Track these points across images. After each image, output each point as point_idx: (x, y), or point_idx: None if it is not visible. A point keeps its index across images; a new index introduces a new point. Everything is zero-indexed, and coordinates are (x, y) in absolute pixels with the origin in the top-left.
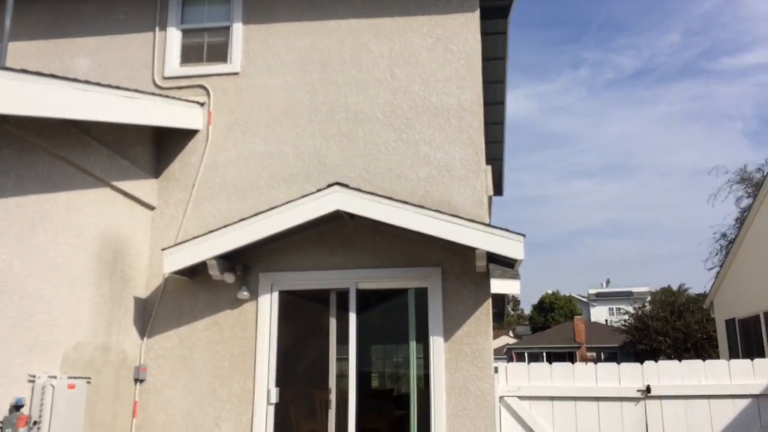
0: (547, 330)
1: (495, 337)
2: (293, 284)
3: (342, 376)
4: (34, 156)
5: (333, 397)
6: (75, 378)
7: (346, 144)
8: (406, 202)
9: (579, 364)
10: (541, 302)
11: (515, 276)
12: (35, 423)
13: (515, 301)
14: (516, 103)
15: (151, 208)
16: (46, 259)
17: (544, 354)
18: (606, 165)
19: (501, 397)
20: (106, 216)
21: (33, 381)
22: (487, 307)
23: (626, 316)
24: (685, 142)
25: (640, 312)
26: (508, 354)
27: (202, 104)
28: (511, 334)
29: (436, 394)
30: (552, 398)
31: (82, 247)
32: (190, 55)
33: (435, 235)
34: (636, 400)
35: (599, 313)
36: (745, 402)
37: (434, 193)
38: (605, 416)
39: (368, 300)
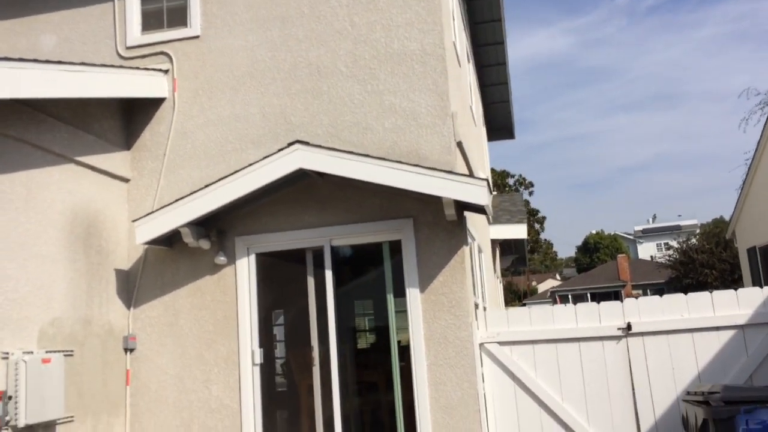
0: (591, 270)
1: (541, 280)
2: (269, 246)
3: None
4: None
5: (316, 354)
6: (52, 352)
7: (310, 100)
8: (367, 156)
9: (558, 306)
10: (586, 243)
11: (522, 220)
12: (10, 398)
13: (548, 245)
14: (552, 40)
15: (125, 180)
16: (8, 239)
17: (588, 295)
18: (652, 95)
19: (481, 344)
20: (74, 192)
21: (7, 357)
22: (462, 255)
23: (671, 251)
24: (734, 65)
25: (684, 246)
26: (552, 297)
27: (165, 71)
28: (557, 277)
29: (415, 346)
30: (533, 342)
31: (50, 224)
32: (151, 21)
33: (397, 186)
34: (617, 338)
35: (646, 250)
36: (730, 333)
37: (402, 144)
38: (587, 356)
39: (347, 257)
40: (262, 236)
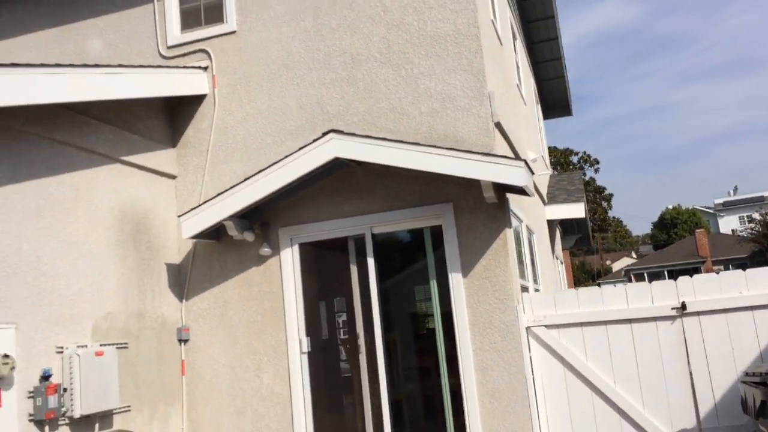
0: (667, 247)
1: (616, 259)
2: (311, 236)
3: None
4: (28, 143)
5: (362, 342)
6: (106, 345)
7: (346, 88)
8: (401, 141)
9: (607, 287)
10: (662, 219)
11: (579, 199)
12: (65, 390)
13: (617, 222)
14: (618, 9)
15: (172, 177)
16: (58, 239)
17: (665, 272)
18: (728, 62)
19: (528, 328)
20: (121, 191)
21: (62, 351)
22: (504, 239)
23: (753, 224)
24: None
25: (767, 217)
26: (627, 275)
27: (205, 69)
28: (633, 255)
29: (460, 331)
30: (581, 324)
31: (99, 222)
32: (189, 20)
33: (432, 171)
34: (672, 318)
35: (728, 224)
36: None
37: (438, 127)
38: (640, 338)
39: (390, 244)
40: (304, 226)
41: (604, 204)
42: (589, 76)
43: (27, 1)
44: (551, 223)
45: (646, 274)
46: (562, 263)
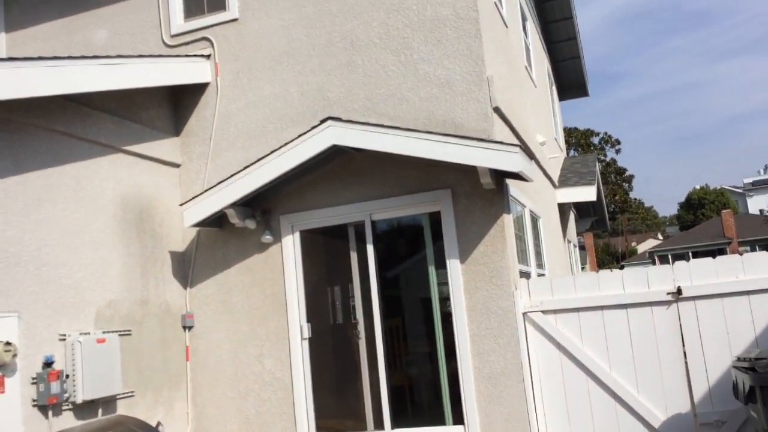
0: (693, 228)
1: (641, 240)
2: (312, 223)
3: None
4: (29, 134)
5: (361, 327)
6: (108, 332)
7: (346, 75)
8: (397, 128)
9: (604, 272)
10: (689, 199)
11: (591, 182)
12: (68, 376)
13: (638, 204)
14: None
15: (176, 165)
16: (60, 228)
17: (690, 254)
18: (762, 37)
19: (524, 313)
20: (124, 180)
21: (64, 339)
22: (501, 225)
23: None
24: None
25: None
26: (651, 257)
27: (207, 57)
28: (659, 236)
29: (457, 316)
30: (577, 309)
31: (101, 212)
32: (192, 8)
33: (427, 157)
34: (667, 303)
35: (757, 204)
36: None
37: (437, 113)
38: (635, 323)
39: (390, 230)
40: (305, 214)
41: (625, 185)
42: (617, 53)
43: None
44: (563, 207)
45: (670, 256)
46: (575, 247)
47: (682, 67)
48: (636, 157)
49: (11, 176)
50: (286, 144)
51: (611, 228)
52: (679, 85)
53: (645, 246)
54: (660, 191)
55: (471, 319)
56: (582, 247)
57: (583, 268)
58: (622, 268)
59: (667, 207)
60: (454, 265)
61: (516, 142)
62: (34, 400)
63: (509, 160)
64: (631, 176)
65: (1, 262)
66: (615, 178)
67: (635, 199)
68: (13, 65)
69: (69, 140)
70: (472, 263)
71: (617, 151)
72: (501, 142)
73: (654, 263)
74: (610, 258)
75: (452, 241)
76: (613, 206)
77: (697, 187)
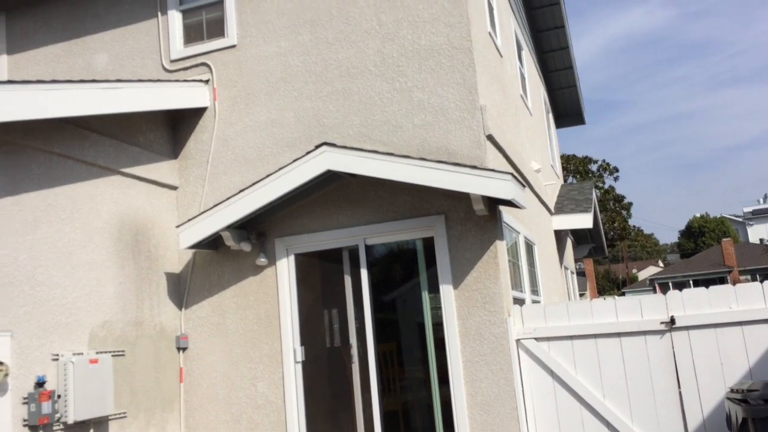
0: (693, 256)
1: (641, 267)
2: (307, 246)
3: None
4: (26, 155)
5: (355, 351)
6: (102, 353)
7: (341, 101)
8: (391, 154)
9: (597, 300)
10: (689, 227)
11: (587, 210)
12: (59, 396)
13: (637, 231)
14: (650, 15)
15: (173, 188)
16: (55, 249)
17: (691, 282)
18: (761, 67)
19: (518, 340)
20: (121, 202)
21: (57, 359)
22: (494, 251)
23: None
24: None
25: None
26: (651, 285)
27: (206, 82)
28: (660, 264)
29: (450, 342)
30: (571, 337)
31: (96, 232)
32: (191, 34)
33: (420, 183)
34: (660, 332)
35: (757, 233)
36: None
37: (431, 140)
38: (629, 352)
39: (384, 255)
40: (300, 237)
41: (623, 213)
42: (618, 81)
43: (37, 17)
44: (560, 233)
45: (671, 284)
46: (573, 273)
47: (681, 95)
48: (636, 185)
49: (8, 196)
50: (281, 168)
51: (611, 255)
52: (678, 113)
53: (646, 273)
54: (660, 219)
55: (464, 345)
56: (582, 274)
57: (582, 295)
58: (622, 294)
59: (667, 234)
60: (447, 291)
61: (509, 169)
62: (25, 420)
63: (501, 187)
64: (630, 203)
65: None
66: (614, 205)
67: (634, 226)
68: (11, 88)
69: (66, 162)
70: (466, 289)
71: (615, 179)
72: (493, 170)
73: (655, 291)
74: (610, 284)
75: (445, 267)
76: (612, 233)
77: (698, 215)
